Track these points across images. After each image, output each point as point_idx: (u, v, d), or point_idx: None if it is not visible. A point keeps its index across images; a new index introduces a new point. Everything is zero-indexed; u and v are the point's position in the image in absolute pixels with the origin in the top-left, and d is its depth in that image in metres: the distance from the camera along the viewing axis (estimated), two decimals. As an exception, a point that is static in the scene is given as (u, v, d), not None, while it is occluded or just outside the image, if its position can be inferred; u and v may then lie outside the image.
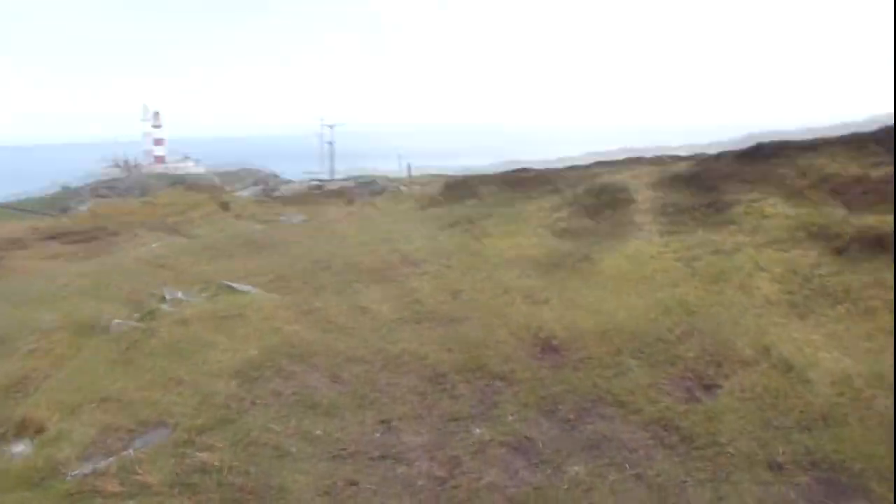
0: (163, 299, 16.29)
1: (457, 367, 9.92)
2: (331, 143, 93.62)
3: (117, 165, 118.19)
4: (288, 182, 75.98)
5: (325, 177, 76.04)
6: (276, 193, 59.88)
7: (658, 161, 24.33)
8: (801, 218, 13.98)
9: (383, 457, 7.69)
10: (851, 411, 7.58)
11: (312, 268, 17.54)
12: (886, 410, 7.51)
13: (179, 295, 16.39)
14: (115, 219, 56.49)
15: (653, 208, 17.31)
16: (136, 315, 14.56)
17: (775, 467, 6.78)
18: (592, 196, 19.31)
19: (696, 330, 10.18)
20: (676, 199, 17.47)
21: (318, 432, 8.33)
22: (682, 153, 25.55)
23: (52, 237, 49.59)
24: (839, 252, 12.05)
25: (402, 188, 38.92)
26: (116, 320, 14.48)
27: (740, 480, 6.61)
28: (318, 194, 58.86)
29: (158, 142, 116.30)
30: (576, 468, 7.07)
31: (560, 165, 31.22)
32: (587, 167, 26.27)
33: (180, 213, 55.88)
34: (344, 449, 7.92)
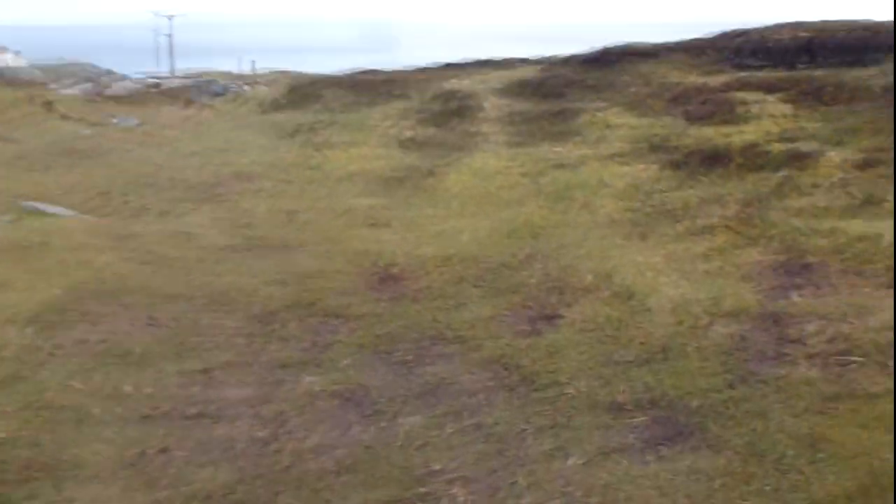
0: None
1: (289, 303, 9.07)
2: (169, 37, 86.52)
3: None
4: (122, 79, 69.89)
5: (165, 75, 70.41)
6: (109, 92, 54.87)
7: (506, 65, 23.76)
8: (643, 129, 13.86)
9: (200, 415, 6.82)
10: (690, 341, 7.43)
11: (136, 183, 15.88)
12: (723, 339, 7.43)
13: (-23, 217, 14.41)
14: (-82, 121, 50.04)
15: (500, 117, 16.76)
16: (-78, 246, 12.61)
17: (615, 408, 6.50)
18: (440, 103, 18.51)
19: (539, 254, 9.81)
20: (524, 108, 17.00)
21: (128, 388, 7.31)
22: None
23: None
24: (678, 166, 11.99)
25: (246, 88, 36.41)
26: None
27: (580, 425, 6.28)
28: (155, 93, 54.54)
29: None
30: (411, 419, 6.51)
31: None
32: (436, 70, 25.33)
33: (-3, 114, 50.26)
34: (157, 408, 6.97)
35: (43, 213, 13.71)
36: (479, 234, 10.53)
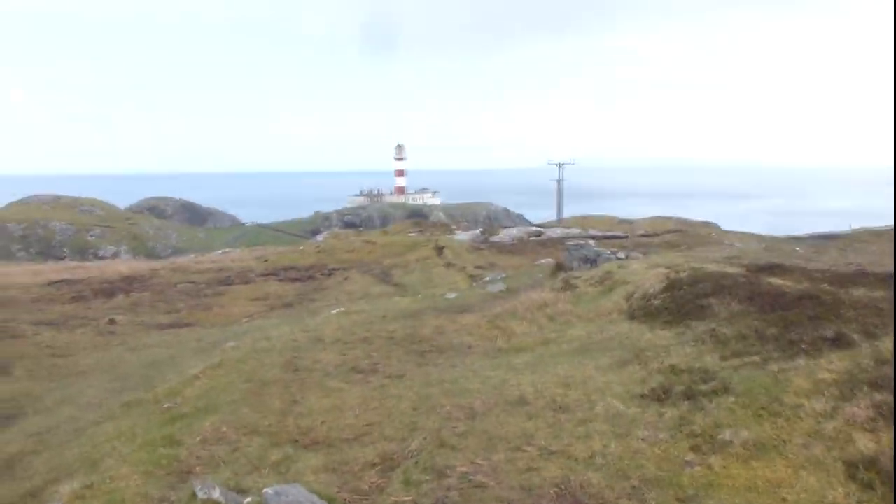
0: (194, 497, 10.04)
1: None
2: (559, 182, 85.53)
3: (363, 194, 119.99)
4: (508, 227, 70.11)
5: (551, 221, 68.85)
6: (494, 239, 53.70)
7: None
8: None
9: None
10: None
11: (421, 472, 10.26)
12: None
13: (216, 495, 9.97)
14: (335, 256, 53.75)
15: None
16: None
17: None
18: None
19: None
20: None
21: None
22: None
23: (274, 273, 47.34)
24: None
25: (620, 257, 30.57)
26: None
27: None
28: (533, 243, 51.97)
29: (400, 173, 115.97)
30: None
31: (821, 225, 21.44)
32: (878, 281, 16.40)
33: (398, 254, 51.70)
34: None
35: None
36: None
